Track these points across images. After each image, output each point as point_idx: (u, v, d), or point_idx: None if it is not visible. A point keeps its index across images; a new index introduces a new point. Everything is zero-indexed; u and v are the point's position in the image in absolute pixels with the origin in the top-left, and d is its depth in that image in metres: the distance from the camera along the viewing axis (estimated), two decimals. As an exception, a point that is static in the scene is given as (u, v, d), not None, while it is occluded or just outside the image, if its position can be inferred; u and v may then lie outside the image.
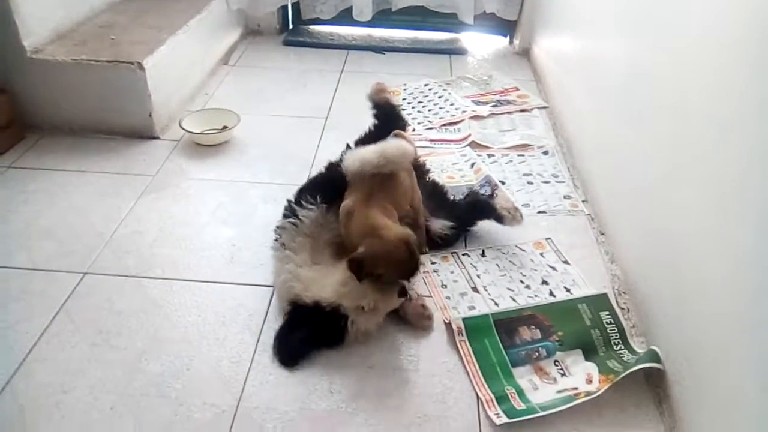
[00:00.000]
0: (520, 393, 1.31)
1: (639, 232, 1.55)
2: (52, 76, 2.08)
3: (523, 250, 1.72)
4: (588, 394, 1.28)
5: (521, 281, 1.61)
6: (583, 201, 1.93)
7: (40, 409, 1.24)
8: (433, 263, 1.67)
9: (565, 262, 1.68)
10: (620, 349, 1.40)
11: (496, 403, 1.28)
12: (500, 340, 1.43)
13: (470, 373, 1.36)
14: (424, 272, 1.62)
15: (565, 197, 1.94)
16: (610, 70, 1.84)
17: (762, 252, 0.98)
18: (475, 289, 1.59)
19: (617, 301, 1.53)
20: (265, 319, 1.47)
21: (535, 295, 1.56)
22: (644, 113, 1.54)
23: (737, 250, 1.05)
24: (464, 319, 1.46)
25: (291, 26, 3.17)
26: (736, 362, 1.04)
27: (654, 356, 1.30)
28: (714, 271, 1.13)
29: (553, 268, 1.66)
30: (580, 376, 1.34)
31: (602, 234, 1.78)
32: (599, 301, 1.50)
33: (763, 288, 0.96)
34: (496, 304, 1.54)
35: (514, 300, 1.55)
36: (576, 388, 1.30)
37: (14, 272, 1.58)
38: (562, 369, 1.37)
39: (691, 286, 1.24)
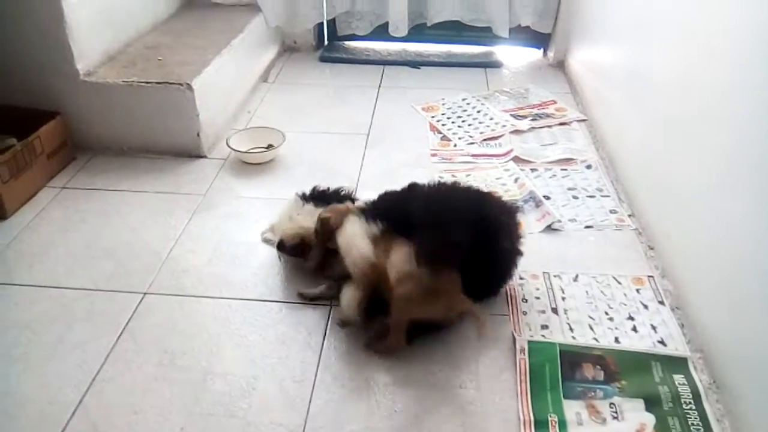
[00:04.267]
0: (562, 424, 1.30)
1: (692, 245, 1.56)
2: (104, 98, 2.14)
3: (619, 283, 1.67)
4: None
5: (606, 312, 1.57)
6: (629, 215, 1.93)
7: (112, 429, 1.28)
8: (521, 279, 1.67)
9: (660, 302, 1.60)
10: (690, 409, 1.33)
11: (533, 427, 1.28)
12: (561, 370, 1.42)
13: (519, 392, 1.36)
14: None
15: (611, 212, 1.95)
16: (656, 80, 1.84)
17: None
18: (554, 311, 1.58)
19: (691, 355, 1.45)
20: (324, 338, 1.49)
21: (616, 328, 1.53)
22: (694, 123, 1.55)
23: None
24: (530, 342, 1.47)
25: (327, 42, 3.21)
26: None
27: None
28: None
29: (645, 306, 1.59)
30: (633, 424, 1.30)
31: (651, 248, 1.78)
32: (676, 364, 1.43)
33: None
34: (571, 329, 1.53)
35: (591, 329, 1.52)
36: None
37: (77, 293, 1.62)
38: (615, 412, 1.33)
39: (745, 297, 1.25)
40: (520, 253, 1.56)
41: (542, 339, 1.50)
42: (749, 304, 1.26)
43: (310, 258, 1.66)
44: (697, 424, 1.29)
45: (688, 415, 1.31)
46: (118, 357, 1.44)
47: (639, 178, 1.96)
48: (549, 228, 1.87)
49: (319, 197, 1.78)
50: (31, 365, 1.42)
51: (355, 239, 1.48)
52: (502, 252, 1.53)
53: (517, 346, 1.46)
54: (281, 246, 1.68)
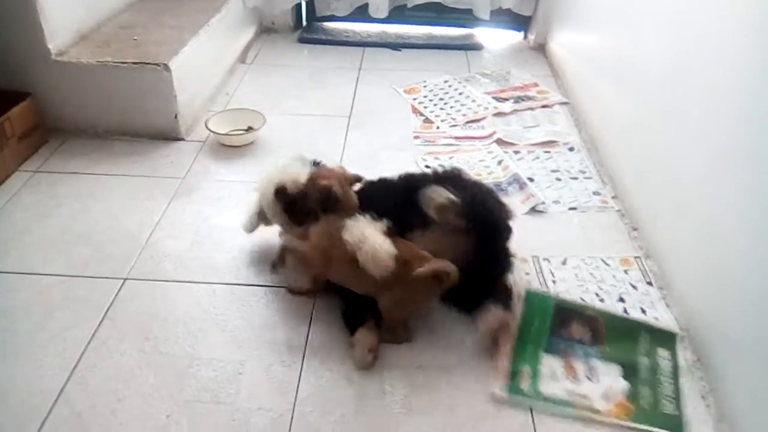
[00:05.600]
0: (534, 376, 1.34)
1: (677, 227, 1.57)
2: (77, 79, 2.08)
3: (608, 265, 1.68)
4: (591, 410, 1.28)
5: (597, 294, 1.59)
6: (612, 197, 1.94)
7: (96, 417, 1.25)
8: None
9: (649, 283, 1.62)
10: (666, 382, 1.35)
11: (508, 377, 1.32)
12: (551, 324, 1.45)
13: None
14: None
15: (594, 193, 1.96)
16: (644, 64, 1.84)
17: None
18: None
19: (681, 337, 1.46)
20: (310, 322, 1.48)
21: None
22: (684, 107, 1.56)
23: None
24: (528, 291, 1.51)
25: (305, 23, 3.16)
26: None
27: (677, 427, 1.27)
28: (759, 268, 1.14)
29: (634, 287, 1.61)
30: (602, 387, 1.33)
31: (634, 230, 1.80)
32: (665, 338, 1.45)
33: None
34: None
35: None
36: (585, 397, 1.30)
37: (55, 279, 1.58)
38: (590, 373, 1.36)
39: (729, 278, 1.26)
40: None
41: (539, 291, 1.53)
42: (733, 284, 1.28)
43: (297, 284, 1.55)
44: (670, 396, 1.32)
45: (661, 387, 1.35)
46: (99, 344, 1.41)
47: (623, 161, 1.97)
48: (533, 210, 1.87)
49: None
50: (10, 354, 1.38)
51: (373, 238, 1.34)
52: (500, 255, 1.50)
53: (515, 293, 1.48)
54: (281, 193, 1.48)
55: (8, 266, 1.62)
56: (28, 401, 1.27)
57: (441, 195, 1.36)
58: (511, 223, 1.48)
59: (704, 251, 1.42)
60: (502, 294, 1.47)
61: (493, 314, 1.38)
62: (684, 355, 1.41)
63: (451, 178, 1.52)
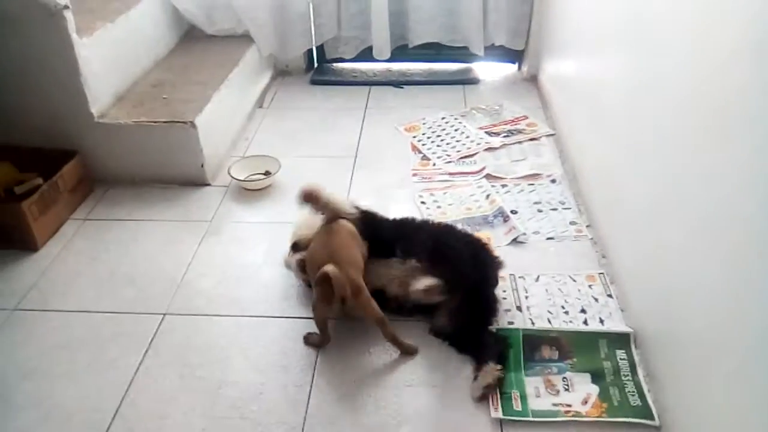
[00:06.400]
0: (523, 397, 1.59)
1: (635, 256, 1.80)
2: (117, 137, 2.39)
3: (574, 281, 1.94)
4: (576, 414, 1.54)
5: (562, 307, 1.85)
6: (587, 226, 2.18)
7: (146, 432, 1.55)
8: None
9: (609, 295, 1.87)
10: (627, 380, 1.61)
11: (499, 400, 1.57)
12: (522, 352, 1.70)
13: None
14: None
15: (571, 223, 2.20)
16: (610, 98, 2.04)
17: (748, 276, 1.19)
18: (519, 308, 1.86)
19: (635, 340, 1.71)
20: (318, 350, 1.75)
21: (570, 321, 1.80)
22: (639, 143, 1.74)
23: (722, 274, 1.28)
24: (498, 329, 1.77)
25: (316, 65, 3.46)
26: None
27: (646, 413, 1.52)
28: (707, 297, 1.34)
29: (596, 300, 1.86)
30: (580, 395, 1.59)
31: (604, 257, 2.04)
32: (620, 340, 1.70)
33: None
34: (533, 323, 1.80)
35: (549, 322, 1.81)
36: (570, 405, 1.56)
37: (105, 316, 1.89)
38: (567, 385, 1.62)
39: (678, 307, 1.50)
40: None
41: (507, 326, 1.79)
42: (681, 313, 1.49)
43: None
44: (632, 391, 1.59)
45: (625, 385, 1.60)
46: (145, 371, 1.71)
47: (596, 191, 2.20)
48: (515, 241, 2.12)
49: None
50: (72, 381, 1.68)
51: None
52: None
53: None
54: (296, 246, 1.92)
55: (66, 305, 1.93)
56: (91, 419, 1.57)
57: (423, 283, 1.69)
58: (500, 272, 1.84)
59: (655, 279, 1.65)
60: (491, 337, 1.74)
61: (491, 371, 1.62)
62: (636, 352, 1.68)
63: (444, 233, 1.88)
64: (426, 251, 1.78)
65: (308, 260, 1.79)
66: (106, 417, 1.58)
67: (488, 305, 1.80)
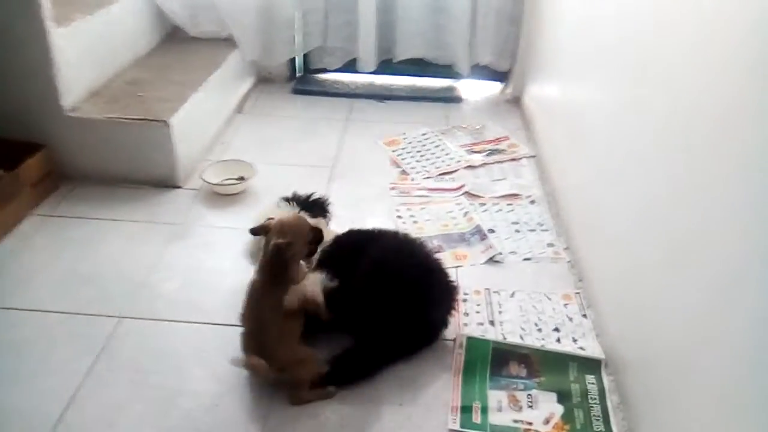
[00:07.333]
0: (484, 410, 1.54)
1: (613, 280, 1.77)
2: (87, 132, 2.31)
3: (549, 299, 1.91)
4: None
5: (536, 324, 1.81)
6: (564, 248, 2.14)
7: (90, 441, 1.45)
8: (465, 294, 1.91)
9: (584, 315, 1.84)
10: (594, 404, 1.56)
11: (459, 411, 1.53)
12: (490, 365, 1.66)
13: (453, 384, 1.61)
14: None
15: (548, 245, 2.16)
16: (591, 122, 2.05)
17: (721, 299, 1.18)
18: (491, 323, 1.81)
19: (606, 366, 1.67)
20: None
21: (543, 339, 1.76)
22: (622, 166, 1.72)
23: (690, 300, 1.26)
24: (468, 338, 1.73)
25: (299, 74, 3.41)
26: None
27: None
28: (683, 323, 1.31)
29: (570, 319, 1.83)
30: (543, 413, 1.54)
31: (580, 281, 2.00)
32: (591, 365, 1.66)
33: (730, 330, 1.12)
34: (505, 338, 1.76)
35: (521, 338, 1.76)
36: (531, 424, 1.51)
37: (59, 316, 1.79)
38: (531, 402, 1.57)
39: (650, 331, 1.46)
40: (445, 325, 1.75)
41: (479, 336, 1.75)
42: (657, 339, 1.46)
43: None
44: (598, 415, 1.54)
45: (591, 408, 1.56)
46: (96, 375, 1.61)
47: (575, 214, 2.17)
48: (491, 260, 2.07)
49: (301, 203, 1.98)
50: (15, 382, 1.58)
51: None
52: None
53: (456, 341, 1.71)
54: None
55: (18, 303, 1.83)
56: (31, 425, 1.48)
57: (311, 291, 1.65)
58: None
59: (629, 303, 1.62)
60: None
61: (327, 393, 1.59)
62: (607, 380, 1.63)
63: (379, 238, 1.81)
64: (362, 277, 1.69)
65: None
66: (48, 423, 1.48)
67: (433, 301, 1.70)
